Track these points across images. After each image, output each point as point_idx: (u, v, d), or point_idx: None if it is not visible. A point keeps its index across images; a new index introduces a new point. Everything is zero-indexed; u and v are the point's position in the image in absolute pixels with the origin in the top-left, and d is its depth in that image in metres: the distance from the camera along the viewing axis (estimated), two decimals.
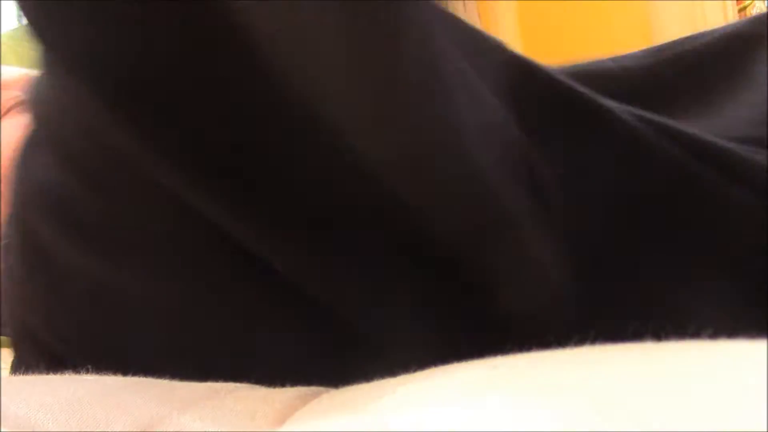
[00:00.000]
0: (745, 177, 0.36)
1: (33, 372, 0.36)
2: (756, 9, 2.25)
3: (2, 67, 0.65)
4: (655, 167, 0.36)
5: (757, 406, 0.16)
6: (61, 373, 0.32)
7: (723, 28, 0.47)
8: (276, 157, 0.30)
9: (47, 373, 0.35)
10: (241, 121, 0.30)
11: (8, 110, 0.57)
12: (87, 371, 0.32)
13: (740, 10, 2.27)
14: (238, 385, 0.30)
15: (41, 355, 0.37)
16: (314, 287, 0.32)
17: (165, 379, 0.30)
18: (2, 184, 0.58)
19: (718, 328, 0.25)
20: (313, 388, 0.29)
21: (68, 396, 0.29)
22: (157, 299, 0.34)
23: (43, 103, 0.37)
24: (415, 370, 0.26)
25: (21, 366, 0.37)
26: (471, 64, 0.33)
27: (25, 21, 0.30)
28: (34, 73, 0.70)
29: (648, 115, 0.38)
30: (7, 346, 0.46)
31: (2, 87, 0.59)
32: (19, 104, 0.58)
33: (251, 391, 0.29)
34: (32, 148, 0.37)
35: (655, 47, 0.47)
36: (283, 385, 0.30)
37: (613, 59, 0.46)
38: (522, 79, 0.37)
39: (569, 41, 2.28)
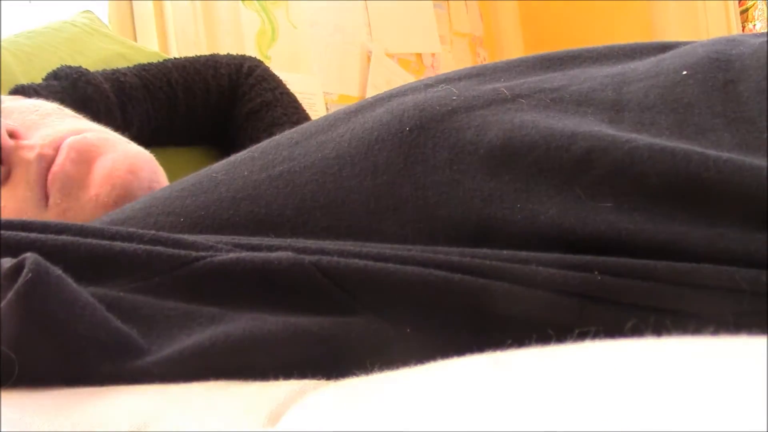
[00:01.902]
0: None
1: None
2: (758, 10, 2.24)
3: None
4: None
5: (757, 406, 0.16)
6: None
7: None
8: None
9: None
10: None
11: None
12: None
13: (742, 12, 2.27)
14: (231, 381, 0.30)
15: None
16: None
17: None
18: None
19: (718, 326, 0.25)
20: (309, 382, 0.28)
21: (63, 396, 0.29)
22: None
23: None
24: (414, 365, 0.26)
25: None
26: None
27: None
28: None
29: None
30: None
31: None
32: None
33: (245, 386, 0.29)
34: None
35: None
36: (276, 378, 0.29)
37: None
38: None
39: (571, 42, 2.28)
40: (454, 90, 0.43)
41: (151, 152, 0.63)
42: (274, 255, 0.34)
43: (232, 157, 0.45)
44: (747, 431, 0.15)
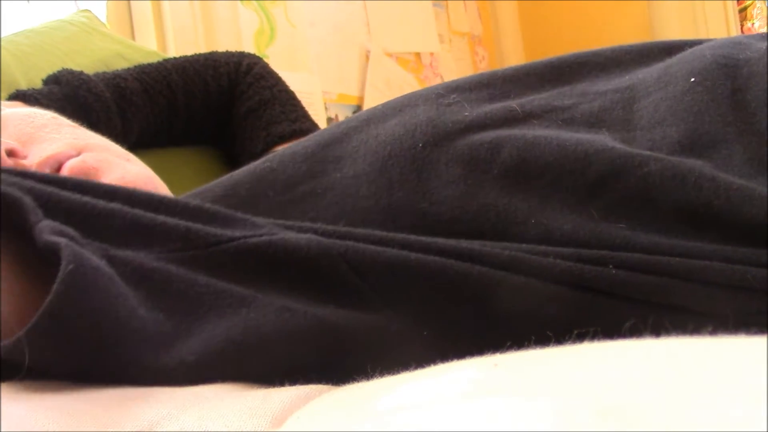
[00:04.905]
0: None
1: None
2: (757, 9, 2.24)
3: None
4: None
5: (757, 406, 0.16)
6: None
7: None
8: None
9: None
10: None
11: None
12: None
13: (741, 11, 2.26)
14: (237, 385, 0.30)
15: None
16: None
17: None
18: None
19: (716, 325, 0.25)
20: (313, 387, 0.29)
21: (69, 397, 0.29)
22: None
23: None
24: (415, 369, 0.26)
25: None
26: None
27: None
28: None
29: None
30: None
31: None
32: None
33: (251, 391, 0.29)
34: None
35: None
36: (282, 383, 0.30)
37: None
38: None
39: (570, 41, 2.28)
40: (466, 105, 0.43)
41: (151, 153, 0.63)
42: (304, 242, 0.35)
43: (252, 167, 0.46)
44: (747, 431, 0.15)
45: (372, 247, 0.35)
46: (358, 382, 0.28)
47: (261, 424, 0.24)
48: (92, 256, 0.30)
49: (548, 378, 0.22)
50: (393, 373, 0.27)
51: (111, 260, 0.32)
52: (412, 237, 0.36)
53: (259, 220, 0.37)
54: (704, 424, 0.16)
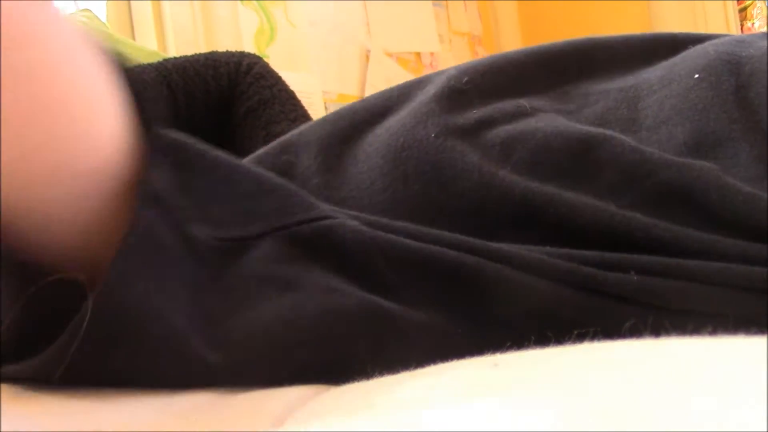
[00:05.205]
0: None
1: None
2: (757, 9, 2.24)
3: None
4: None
5: (757, 406, 0.16)
6: None
7: None
8: None
9: None
10: None
11: None
12: None
13: (741, 10, 2.27)
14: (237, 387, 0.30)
15: None
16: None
17: None
18: None
19: (716, 325, 0.25)
20: (313, 387, 0.29)
21: (69, 398, 0.29)
22: None
23: None
24: (414, 368, 0.26)
25: None
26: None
27: None
28: None
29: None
30: None
31: None
32: None
33: (251, 391, 0.29)
34: None
35: None
36: (282, 384, 0.30)
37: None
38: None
39: None
40: (475, 98, 0.43)
41: None
42: (349, 236, 0.36)
43: (269, 162, 0.46)
44: (747, 431, 0.15)
45: (409, 242, 0.36)
46: (358, 382, 0.28)
47: (261, 424, 0.24)
48: (164, 233, 0.32)
49: (548, 378, 0.22)
50: (393, 373, 0.27)
51: (183, 236, 0.33)
52: (446, 233, 0.37)
53: (314, 200, 0.38)
54: (704, 425, 0.16)
